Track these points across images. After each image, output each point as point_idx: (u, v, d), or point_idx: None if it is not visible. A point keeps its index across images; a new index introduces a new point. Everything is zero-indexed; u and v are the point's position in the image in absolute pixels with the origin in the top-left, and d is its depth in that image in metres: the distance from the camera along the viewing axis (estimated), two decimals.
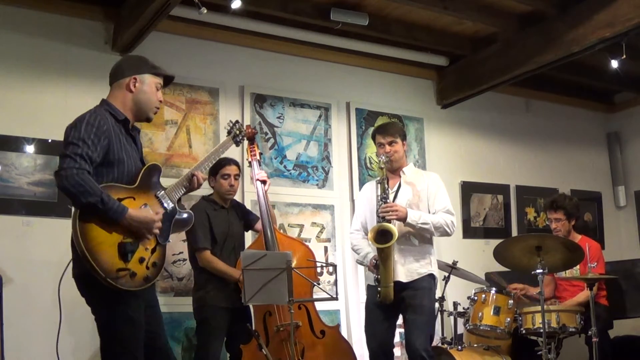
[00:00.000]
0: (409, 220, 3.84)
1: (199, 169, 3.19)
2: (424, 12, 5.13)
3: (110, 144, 2.82)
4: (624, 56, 5.08)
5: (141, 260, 2.79)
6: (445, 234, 3.98)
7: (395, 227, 3.75)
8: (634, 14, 4.52)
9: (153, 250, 2.86)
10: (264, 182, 4.34)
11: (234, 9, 4.55)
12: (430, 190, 4.05)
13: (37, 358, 4.14)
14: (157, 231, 2.85)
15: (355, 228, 4.25)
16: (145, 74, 3.03)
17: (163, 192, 2.99)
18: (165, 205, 2.97)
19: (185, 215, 3.08)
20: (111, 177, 2.81)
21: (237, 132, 3.57)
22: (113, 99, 2.99)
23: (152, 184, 2.95)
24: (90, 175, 2.69)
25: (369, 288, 4.14)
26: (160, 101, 3.09)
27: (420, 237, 3.98)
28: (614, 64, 5.47)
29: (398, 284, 3.87)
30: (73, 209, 2.70)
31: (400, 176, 4.11)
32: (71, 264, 2.83)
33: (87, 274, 2.68)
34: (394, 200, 3.96)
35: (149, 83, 3.03)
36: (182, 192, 3.10)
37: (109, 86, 3.06)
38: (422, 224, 3.88)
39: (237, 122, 3.64)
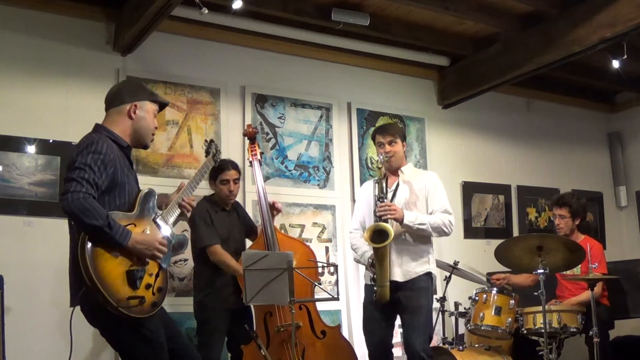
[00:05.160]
0: (405, 221, 3.83)
1: (185, 194, 3.14)
2: (425, 12, 5.13)
3: (115, 173, 2.81)
4: (625, 56, 5.07)
5: (147, 286, 2.80)
6: (443, 233, 3.97)
7: (391, 227, 3.74)
8: (635, 14, 4.52)
9: (157, 276, 2.87)
10: (278, 209, 4.34)
11: (235, 9, 4.55)
12: (428, 189, 4.04)
13: (38, 358, 4.15)
14: (160, 255, 2.85)
15: (354, 227, 4.25)
16: (144, 100, 3.02)
17: (160, 216, 2.99)
18: (163, 229, 2.97)
19: (181, 238, 3.10)
20: (114, 205, 2.81)
21: (215, 151, 3.55)
22: (112, 124, 2.96)
23: (149, 209, 2.94)
24: (95, 199, 2.69)
25: (366, 287, 4.13)
26: (156, 127, 3.09)
27: (418, 237, 3.97)
28: (615, 64, 5.47)
29: (394, 284, 3.87)
30: (79, 242, 2.66)
31: (399, 175, 4.11)
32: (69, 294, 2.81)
33: (97, 305, 2.67)
34: (392, 200, 3.95)
35: (147, 110, 3.02)
36: (177, 214, 3.09)
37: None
38: (419, 224, 3.87)
39: (212, 141, 3.62)
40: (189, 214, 3.21)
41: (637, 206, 6.99)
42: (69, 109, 4.50)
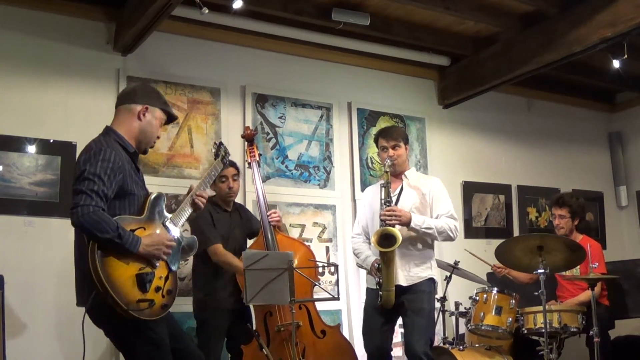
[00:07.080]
0: (413, 224, 3.84)
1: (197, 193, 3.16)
2: (426, 12, 5.12)
3: (124, 179, 2.83)
4: (626, 56, 5.08)
5: (157, 289, 2.81)
6: (448, 238, 3.98)
7: (399, 232, 3.75)
8: (635, 14, 4.51)
9: (166, 278, 2.88)
10: (277, 221, 4.31)
11: (236, 9, 4.55)
12: (433, 194, 4.05)
13: (38, 358, 4.15)
14: (169, 250, 2.87)
15: (356, 232, 4.25)
16: (156, 107, 3.04)
17: (169, 219, 3.00)
18: (173, 232, 2.98)
19: (190, 240, 3.12)
20: (124, 211, 2.82)
21: (224, 153, 3.55)
22: (120, 124, 2.98)
23: (159, 212, 2.96)
24: (104, 211, 2.70)
25: (368, 291, 4.13)
26: (158, 137, 3.11)
27: (422, 242, 3.98)
28: (616, 63, 5.48)
29: (398, 288, 3.87)
30: (89, 247, 2.68)
31: (402, 180, 4.10)
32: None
33: (104, 305, 2.68)
34: (396, 204, 3.95)
35: (156, 116, 3.05)
36: (186, 216, 3.10)
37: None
38: (426, 228, 3.87)
39: (221, 143, 3.62)
40: (203, 206, 3.20)
41: (637, 206, 6.99)
42: (70, 109, 4.50)
